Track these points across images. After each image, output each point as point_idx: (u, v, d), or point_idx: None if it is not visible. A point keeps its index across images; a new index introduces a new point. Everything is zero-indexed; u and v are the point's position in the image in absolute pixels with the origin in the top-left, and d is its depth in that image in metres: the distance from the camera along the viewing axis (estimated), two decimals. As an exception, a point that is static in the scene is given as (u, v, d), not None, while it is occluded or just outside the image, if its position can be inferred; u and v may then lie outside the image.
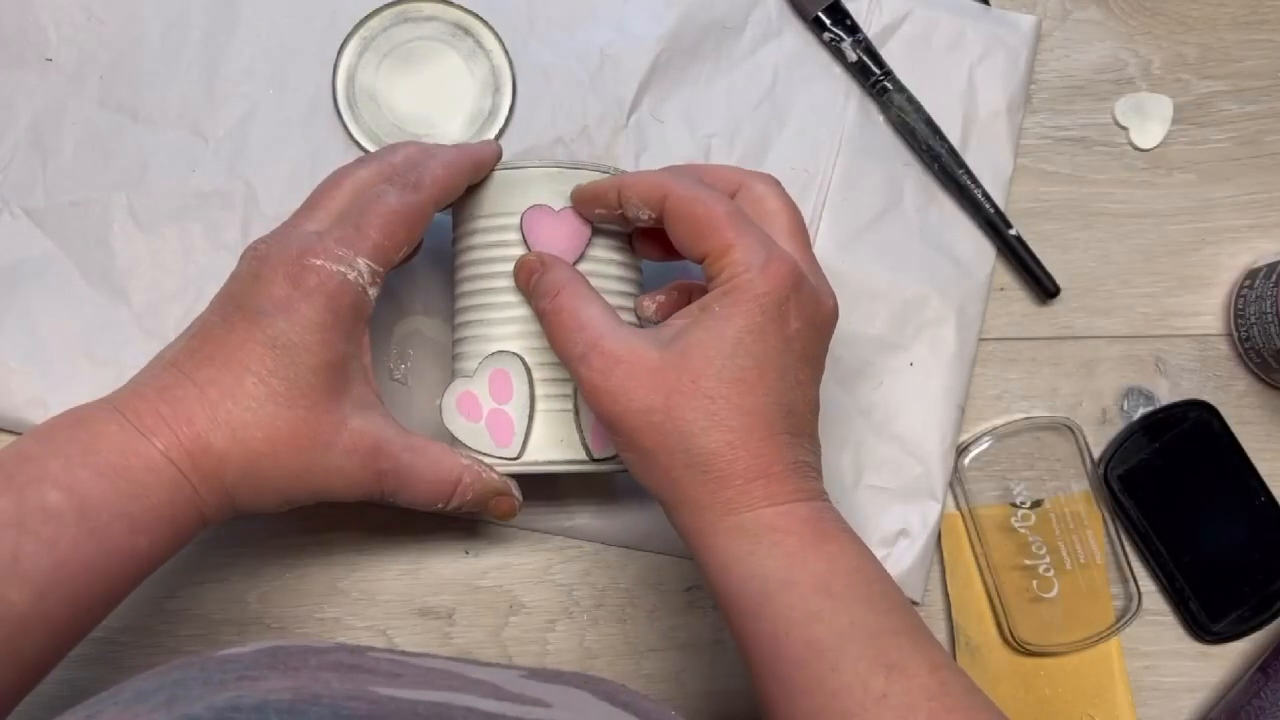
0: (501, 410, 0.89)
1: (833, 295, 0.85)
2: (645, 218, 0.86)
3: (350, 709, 0.50)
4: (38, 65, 1.01)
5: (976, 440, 1.04)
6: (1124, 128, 1.09)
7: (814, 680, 0.73)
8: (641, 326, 0.90)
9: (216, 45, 1.02)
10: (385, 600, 1.01)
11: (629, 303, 0.92)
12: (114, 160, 1.01)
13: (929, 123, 1.05)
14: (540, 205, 0.88)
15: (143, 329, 0.99)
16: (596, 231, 0.89)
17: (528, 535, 1.02)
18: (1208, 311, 1.08)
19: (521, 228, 0.88)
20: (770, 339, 0.80)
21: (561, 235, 0.88)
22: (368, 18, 1.02)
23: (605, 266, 0.90)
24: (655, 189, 0.85)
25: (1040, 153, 1.09)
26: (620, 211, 0.86)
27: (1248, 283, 1.05)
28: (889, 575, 0.80)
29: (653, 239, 0.91)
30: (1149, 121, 1.09)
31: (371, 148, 1.00)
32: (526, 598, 1.02)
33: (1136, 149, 1.09)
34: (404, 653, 0.63)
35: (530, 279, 0.86)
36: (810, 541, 0.78)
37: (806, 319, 0.81)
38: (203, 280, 0.99)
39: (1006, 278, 1.07)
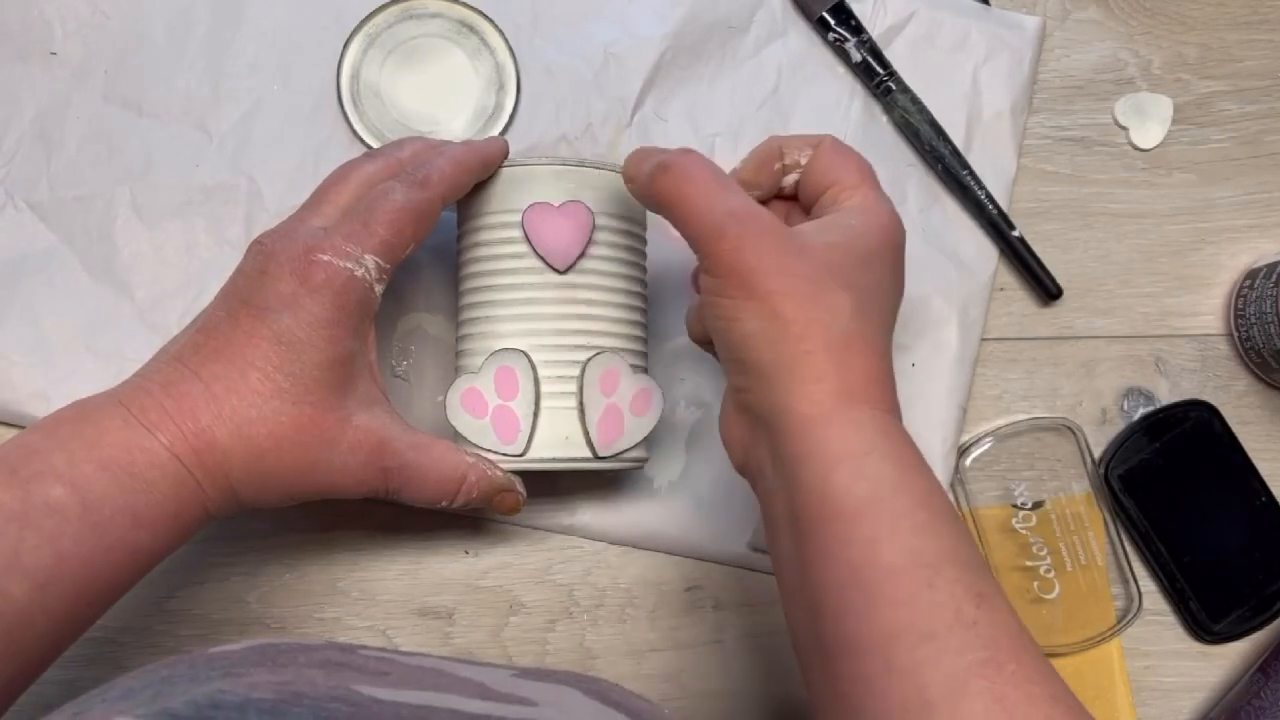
0: (507, 407, 0.89)
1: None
2: (803, 160, 0.87)
3: (331, 710, 0.50)
4: (42, 59, 1.01)
5: (977, 441, 1.04)
6: (1124, 128, 1.09)
7: (907, 592, 0.69)
8: None
9: (221, 40, 1.02)
10: (385, 600, 1.00)
11: (634, 300, 0.92)
12: (118, 155, 1.01)
13: (933, 123, 1.05)
14: (541, 202, 0.88)
15: (145, 323, 0.99)
16: (598, 229, 0.89)
17: (528, 535, 1.02)
18: (1208, 311, 1.08)
19: (523, 225, 0.88)
20: (888, 271, 0.81)
21: (564, 231, 0.89)
22: (372, 14, 1.02)
23: (608, 264, 0.90)
24: (812, 136, 0.88)
25: (1040, 153, 1.09)
26: (779, 164, 0.88)
27: (1248, 283, 1.05)
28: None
29: None
30: (1149, 121, 1.09)
31: (375, 144, 1.00)
32: (527, 598, 1.01)
33: (1136, 149, 1.09)
34: (395, 651, 0.63)
35: (644, 160, 0.83)
36: (917, 458, 0.76)
37: (902, 275, 0.83)
38: (206, 275, 0.99)
39: (1007, 278, 1.07)
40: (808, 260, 0.76)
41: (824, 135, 0.87)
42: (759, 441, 0.79)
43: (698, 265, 0.81)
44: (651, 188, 0.81)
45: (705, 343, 0.89)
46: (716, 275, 0.77)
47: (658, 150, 0.83)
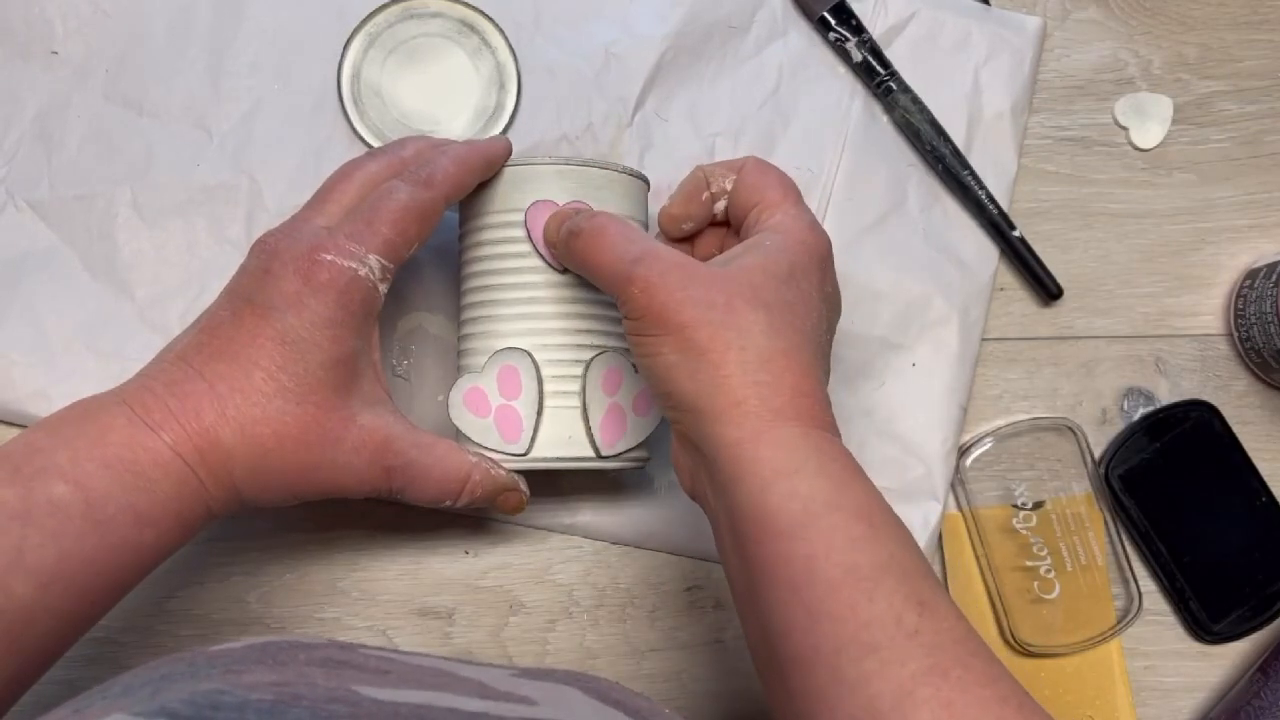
0: (510, 406, 0.89)
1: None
2: (729, 186, 0.89)
3: (329, 711, 0.50)
4: (43, 58, 1.01)
5: (978, 441, 1.04)
6: (1124, 128, 1.09)
7: (847, 607, 0.70)
8: None
9: (222, 40, 1.02)
10: (385, 600, 1.00)
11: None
12: (119, 154, 1.00)
13: (933, 123, 1.05)
14: (543, 200, 0.89)
15: (146, 323, 0.99)
16: (599, 227, 0.89)
17: (528, 535, 1.01)
18: (1208, 311, 1.08)
19: (525, 223, 0.88)
20: (813, 285, 0.82)
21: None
22: (373, 14, 1.02)
23: (609, 263, 0.90)
24: (735, 161, 0.91)
25: (1040, 153, 1.09)
26: (707, 193, 0.90)
27: (1248, 283, 1.05)
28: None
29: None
30: (1149, 121, 1.09)
31: (376, 144, 1.00)
32: (527, 598, 1.01)
33: (1136, 149, 1.09)
34: (395, 650, 0.63)
35: (561, 224, 0.86)
36: (851, 470, 0.76)
37: (835, 289, 0.85)
38: (206, 275, 0.99)
39: (1007, 278, 1.07)
40: (718, 287, 0.78)
41: (747, 158, 0.90)
42: (699, 467, 0.81)
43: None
44: (566, 253, 0.85)
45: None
46: (634, 318, 0.79)
47: (572, 214, 0.86)
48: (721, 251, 0.86)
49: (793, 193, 0.87)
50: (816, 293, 0.82)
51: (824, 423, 0.77)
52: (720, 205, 0.90)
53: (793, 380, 0.76)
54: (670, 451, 0.85)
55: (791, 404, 0.76)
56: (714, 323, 0.76)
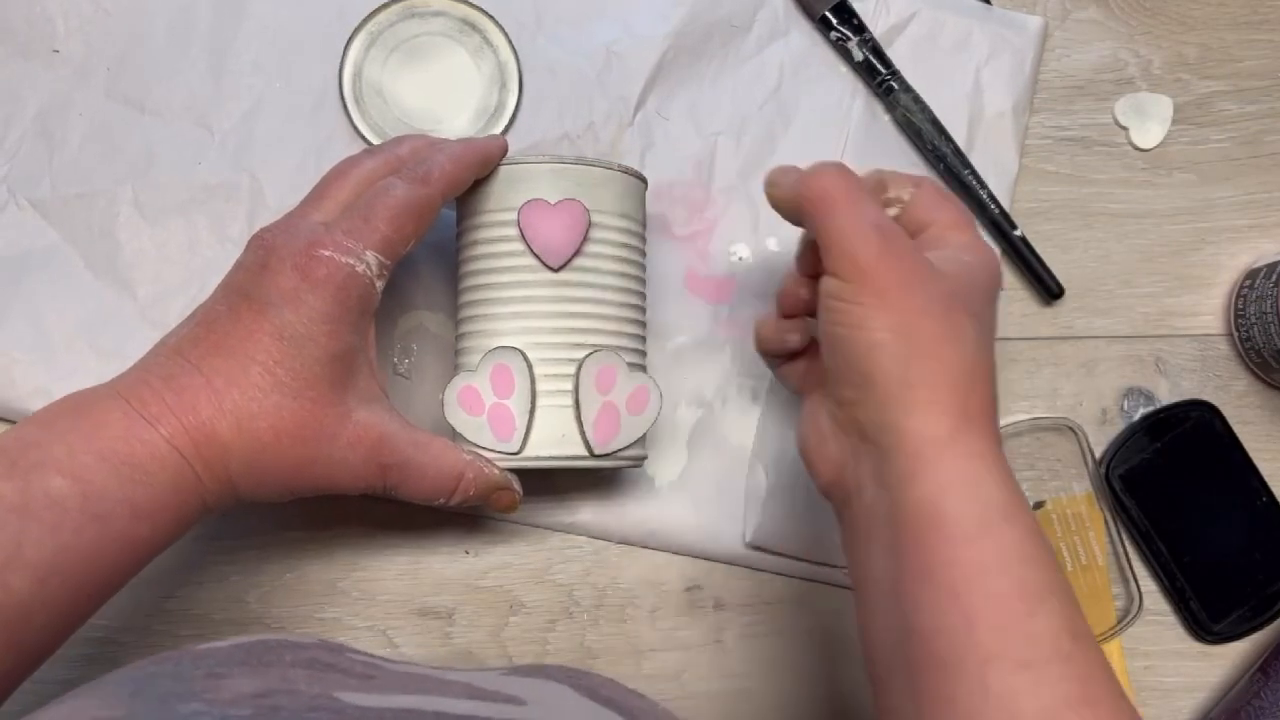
0: (503, 405, 0.89)
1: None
2: (906, 196, 0.86)
3: None
4: (45, 56, 1.01)
5: (978, 440, 1.04)
6: (1124, 128, 1.09)
7: (1009, 620, 0.69)
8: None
9: (223, 38, 1.02)
10: (385, 600, 1.00)
11: (633, 299, 0.92)
12: (120, 152, 1.01)
13: (935, 123, 1.05)
14: (537, 199, 0.89)
15: (147, 321, 0.99)
16: (595, 226, 0.89)
17: (528, 535, 1.02)
18: (1208, 311, 1.08)
19: (519, 223, 0.88)
20: (993, 308, 0.82)
21: (559, 228, 0.89)
22: (375, 12, 1.02)
23: (605, 263, 0.90)
24: (914, 175, 0.88)
25: (1040, 153, 1.09)
26: (884, 197, 0.87)
27: (1248, 283, 1.05)
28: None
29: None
30: (1149, 121, 1.09)
31: (377, 142, 1.00)
32: (527, 598, 1.01)
33: (1136, 149, 1.09)
34: (383, 659, 0.63)
35: (789, 172, 0.84)
36: (1020, 491, 0.75)
37: (996, 316, 0.83)
38: (207, 273, 0.99)
39: (1007, 278, 1.07)
40: (941, 283, 0.76)
41: (923, 176, 0.89)
42: (861, 458, 0.78)
43: (793, 276, 0.85)
44: (799, 189, 0.81)
45: (775, 354, 0.91)
46: (851, 280, 0.76)
47: (798, 169, 0.83)
48: None
49: (972, 220, 0.86)
50: (994, 320, 0.82)
51: (998, 440, 0.77)
52: (892, 212, 0.87)
53: (984, 391, 0.76)
54: (807, 441, 0.84)
55: (980, 415, 0.75)
56: (938, 314, 0.75)
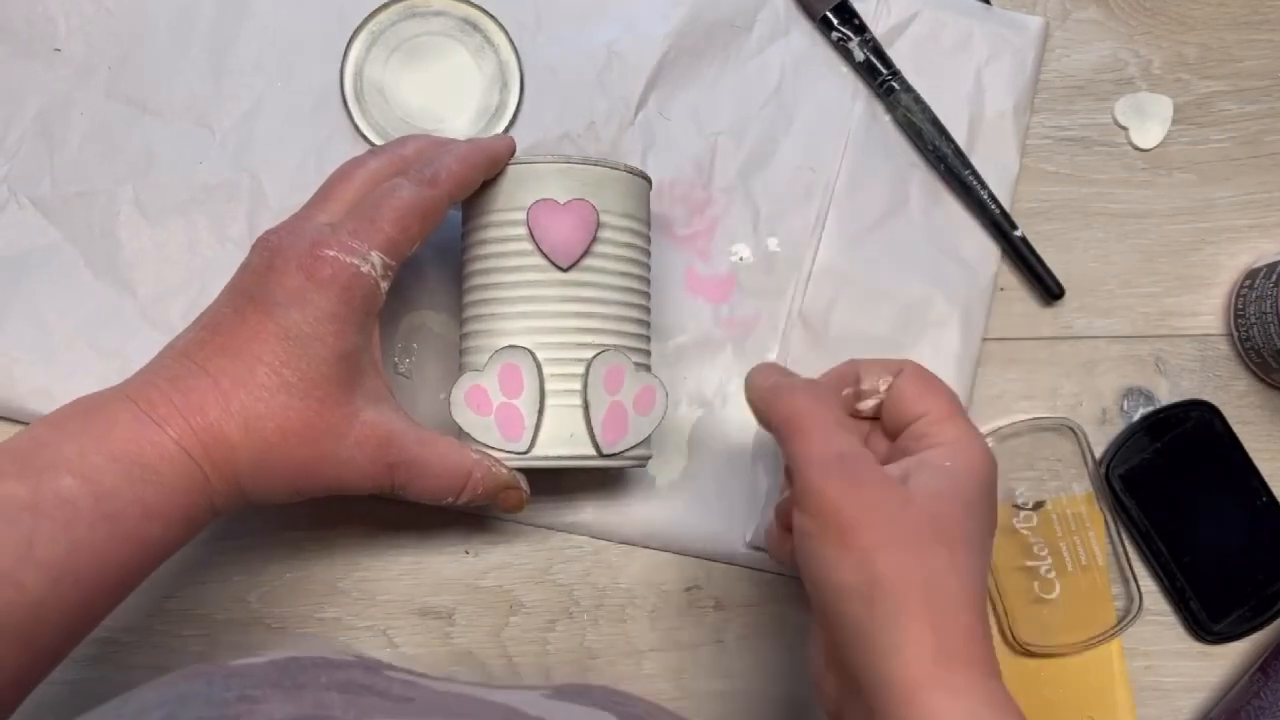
0: (511, 405, 0.89)
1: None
2: (883, 387, 0.85)
3: None
4: (46, 55, 1.01)
5: (979, 440, 1.04)
6: (1124, 128, 1.09)
7: None
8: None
9: (224, 38, 1.02)
10: (385, 600, 1.00)
11: (638, 299, 0.92)
12: (121, 151, 1.01)
13: (935, 123, 1.05)
14: (546, 199, 0.88)
15: (147, 320, 0.99)
16: (603, 227, 0.89)
17: (528, 536, 1.01)
18: (1208, 311, 1.08)
19: (527, 222, 0.88)
20: (987, 515, 0.78)
21: (569, 228, 0.89)
22: (376, 12, 1.02)
23: (613, 263, 0.90)
24: (892, 362, 0.86)
25: (1040, 153, 1.09)
26: (851, 390, 0.86)
27: (1248, 283, 1.05)
28: None
29: None
30: (1149, 121, 1.09)
31: (379, 142, 1.00)
32: (527, 598, 1.01)
33: (1136, 149, 1.09)
34: (423, 675, 0.63)
35: (768, 378, 0.84)
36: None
37: (995, 511, 0.80)
38: (208, 273, 0.99)
39: (1007, 278, 1.07)
40: (910, 514, 0.74)
41: (905, 361, 0.86)
42: (854, 702, 0.76)
43: (787, 498, 0.83)
44: (771, 403, 0.81)
45: (790, 563, 0.88)
46: (816, 517, 0.75)
47: (784, 371, 0.84)
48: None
49: (960, 406, 0.83)
50: (987, 520, 0.79)
51: (991, 669, 0.73)
52: (868, 404, 0.86)
53: (967, 621, 0.73)
54: (810, 664, 0.82)
55: (965, 648, 0.72)
56: (901, 552, 0.73)
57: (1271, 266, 1.03)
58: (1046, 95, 1.09)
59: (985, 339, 1.06)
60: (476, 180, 0.88)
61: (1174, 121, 1.09)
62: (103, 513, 0.74)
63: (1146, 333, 1.07)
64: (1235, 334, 1.07)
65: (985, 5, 1.08)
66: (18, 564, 0.71)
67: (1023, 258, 1.05)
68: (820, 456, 0.75)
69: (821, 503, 0.74)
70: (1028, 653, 1.02)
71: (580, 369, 0.88)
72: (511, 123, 1.03)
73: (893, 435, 0.85)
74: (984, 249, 1.06)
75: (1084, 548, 1.04)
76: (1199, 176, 1.09)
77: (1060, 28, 1.10)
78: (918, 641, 0.71)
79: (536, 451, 0.89)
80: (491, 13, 1.03)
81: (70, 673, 0.94)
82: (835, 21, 1.05)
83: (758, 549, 1.01)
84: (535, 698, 0.61)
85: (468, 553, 1.01)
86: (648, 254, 0.94)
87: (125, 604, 0.80)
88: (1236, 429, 1.05)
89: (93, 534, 0.74)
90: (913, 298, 1.03)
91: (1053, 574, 1.03)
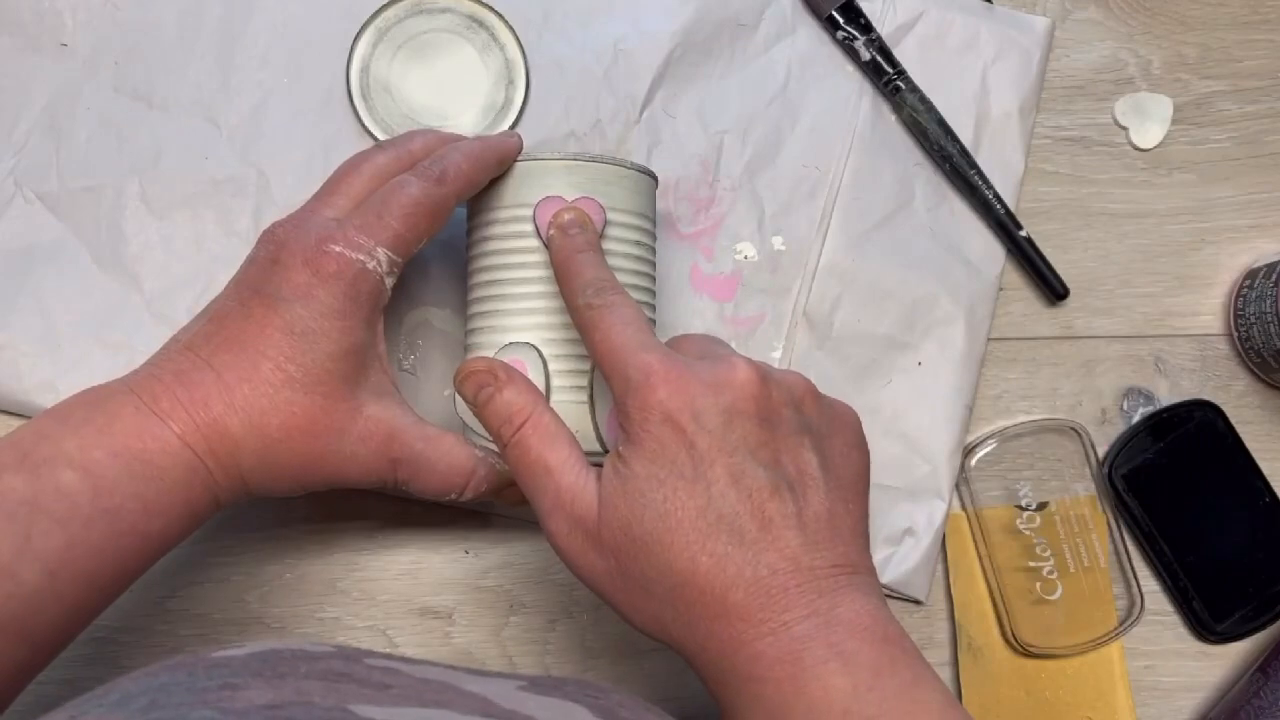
0: (516, 401, 0.88)
1: (743, 362, 0.76)
2: None
3: None
4: (53, 50, 1.01)
5: (982, 441, 1.05)
6: (1124, 128, 1.09)
7: None
8: None
9: (231, 33, 1.02)
10: (385, 600, 1.00)
11: (643, 296, 0.92)
12: (127, 146, 1.01)
13: (941, 123, 1.05)
14: (552, 196, 0.88)
15: (154, 314, 0.99)
16: (609, 224, 0.89)
17: (529, 535, 1.01)
18: (1208, 311, 1.08)
19: (534, 218, 0.88)
20: (675, 459, 0.74)
21: (575, 225, 0.88)
22: (383, 8, 1.02)
23: (618, 260, 0.89)
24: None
25: (1040, 153, 1.09)
26: None
27: (1248, 283, 1.06)
28: (896, 699, 0.70)
29: None
30: (1149, 121, 1.09)
31: (384, 138, 1.00)
32: (527, 597, 1.01)
33: (1136, 149, 1.09)
34: (403, 659, 0.62)
35: (479, 393, 0.82)
36: (788, 688, 0.70)
37: (710, 412, 0.74)
38: (214, 267, 0.99)
39: (1008, 278, 1.07)
40: (609, 542, 0.76)
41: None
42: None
43: None
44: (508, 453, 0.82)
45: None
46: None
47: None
48: None
49: (617, 350, 0.78)
50: (684, 459, 0.75)
51: (751, 630, 0.72)
52: None
53: (700, 605, 0.74)
54: None
55: (710, 636, 0.74)
56: (618, 587, 0.77)
57: (1271, 266, 1.03)
58: (1046, 95, 1.10)
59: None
60: (485, 178, 0.89)
61: (1174, 121, 1.10)
62: (102, 507, 0.75)
63: (1146, 333, 1.08)
64: (1235, 334, 1.07)
65: (989, 5, 1.08)
66: (15, 557, 0.72)
67: (1028, 258, 1.05)
68: (542, 506, 0.79)
69: (561, 557, 0.79)
70: (1028, 653, 1.02)
71: (585, 365, 0.88)
72: (517, 120, 1.03)
73: None
74: (989, 248, 1.06)
75: (1086, 549, 1.04)
76: (1199, 176, 1.10)
77: (1060, 28, 1.10)
78: (678, 645, 0.77)
79: None
80: (498, 10, 1.03)
81: (68, 672, 0.93)
82: (841, 21, 1.05)
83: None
84: (510, 689, 0.61)
85: (468, 553, 1.01)
86: (653, 251, 0.94)
87: (123, 603, 0.80)
88: (1236, 429, 1.06)
89: (91, 528, 0.74)
90: (918, 297, 1.04)
91: (1055, 575, 1.03)
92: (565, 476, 0.78)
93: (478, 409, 0.83)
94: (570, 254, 0.83)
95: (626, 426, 0.75)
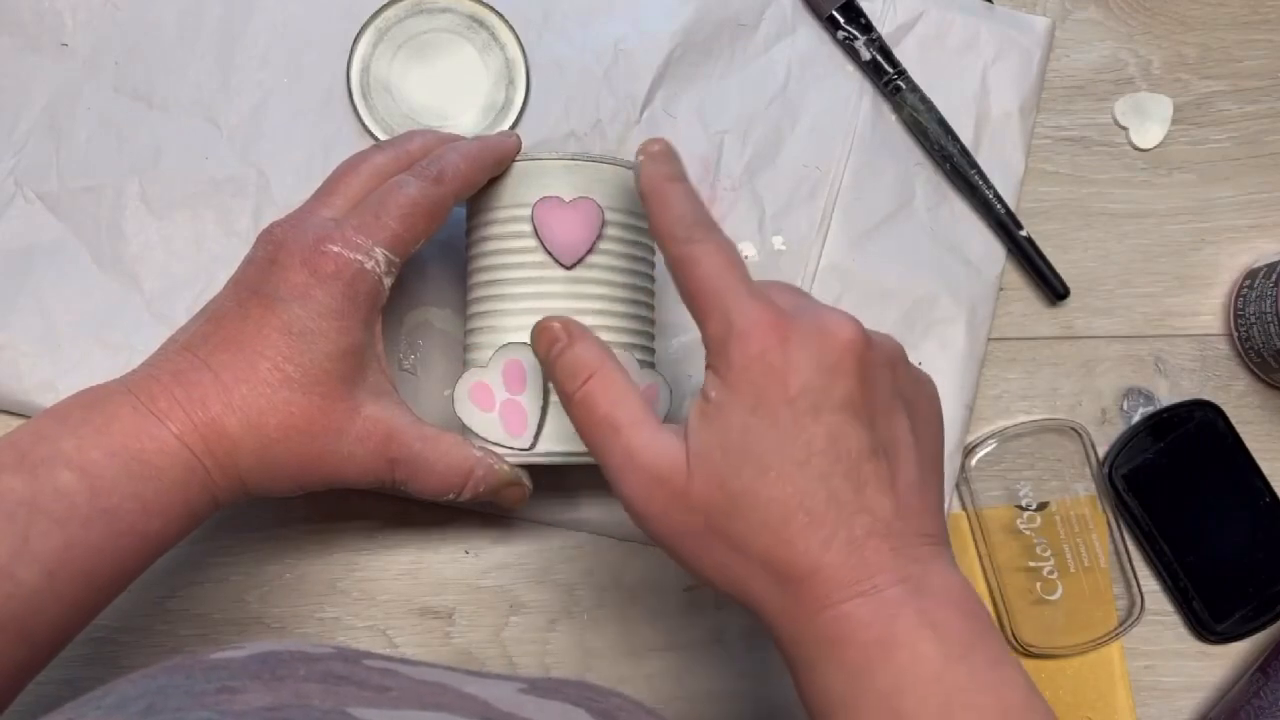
0: (515, 400, 0.89)
1: (846, 318, 0.74)
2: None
3: None
4: (53, 50, 1.01)
5: (983, 441, 1.05)
6: (1124, 128, 1.09)
7: None
8: None
9: (232, 33, 1.02)
10: (385, 600, 1.00)
11: (642, 296, 0.92)
12: (127, 146, 1.01)
13: (941, 122, 1.05)
14: (551, 196, 0.88)
15: (154, 314, 0.99)
16: (608, 224, 0.89)
17: (529, 535, 1.01)
18: (1208, 311, 1.08)
19: (533, 219, 0.88)
20: (776, 412, 0.71)
21: (574, 226, 0.88)
22: (383, 8, 1.02)
23: (617, 260, 0.90)
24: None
25: (1040, 153, 1.09)
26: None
27: (1248, 283, 1.06)
28: (985, 673, 0.70)
29: None
30: (1149, 121, 1.09)
31: (384, 138, 1.00)
32: (527, 597, 1.01)
33: (1136, 149, 1.09)
34: (403, 660, 0.62)
35: (551, 349, 0.80)
36: (875, 651, 0.69)
37: (812, 366, 0.71)
38: (214, 267, 0.99)
39: (1009, 277, 1.07)
40: (697, 501, 0.75)
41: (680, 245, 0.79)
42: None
43: None
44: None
45: None
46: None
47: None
48: None
49: (719, 288, 0.75)
50: (785, 412, 0.73)
51: (841, 590, 0.71)
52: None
53: (789, 564, 0.73)
54: None
55: (797, 597, 0.73)
56: (706, 545, 0.74)
57: (1271, 266, 1.03)
58: (1046, 95, 1.10)
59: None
60: (483, 179, 0.89)
61: (1174, 121, 1.10)
62: (100, 507, 0.75)
63: (1146, 333, 1.08)
64: (1235, 334, 1.07)
65: (990, 5, 1.08)
66: (13, 558, 0.72)
67: (1028, 258, 1.05)
68: (613, 463, 0.76)
69: (638, 523, 0.76)
70: (1028, 653, 1.03)
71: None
72: (517, 120, 1.03)
73: None
74: (990, 248, 1.06)
75: (1087, 549, 1.04)
76: (1199, 176, 1.10)
77: (1060, 28, 1.10)
78: (760, 604, 0.74)
79: (540, 448, 0.89)
80: (498, 10, 1.03)
81: (67, 672, 0.93)
82: (842, 20, 1.05)
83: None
84: (509, 691, 0.61)
85: (468, 553, 1.01)
86: (652, 251, 0.93)
87: (123, 603, 0.80)
88: (1236, 429, 1.06)
89: (90, 528, 0.75)
90: (918, 296, 1.04)
91: (1055, 575, 1.03)
92: (640, 433, 0.74)
93: (549, 367, 0.80)
94: (661, 181, 0.78)
95: (724, 374, 0.72)
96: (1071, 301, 1.07)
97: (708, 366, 0.74)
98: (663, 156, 0.80)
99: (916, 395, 0.79)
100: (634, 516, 0.75)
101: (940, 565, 0.72)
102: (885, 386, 0.75)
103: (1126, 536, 1.05)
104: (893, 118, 1.07)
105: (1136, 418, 1.06)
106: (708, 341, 0.74)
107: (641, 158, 0.80)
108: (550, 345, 0.80)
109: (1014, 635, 1.02)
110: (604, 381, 0.77)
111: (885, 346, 0.77)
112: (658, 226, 0.77)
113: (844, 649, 0.70)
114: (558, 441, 0.89)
